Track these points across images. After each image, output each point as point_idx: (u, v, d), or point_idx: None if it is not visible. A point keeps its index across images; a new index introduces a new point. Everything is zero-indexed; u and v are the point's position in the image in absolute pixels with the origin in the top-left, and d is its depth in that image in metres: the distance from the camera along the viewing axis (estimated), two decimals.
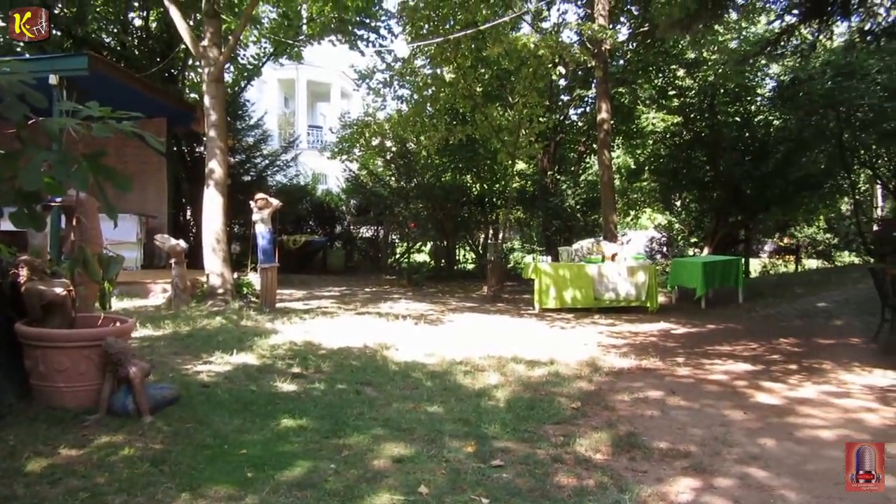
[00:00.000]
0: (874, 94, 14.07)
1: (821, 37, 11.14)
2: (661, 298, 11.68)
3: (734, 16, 13.86)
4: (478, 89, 13.81)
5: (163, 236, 8.90)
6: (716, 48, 16.06)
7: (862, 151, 17.13)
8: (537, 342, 7.36)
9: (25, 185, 2.36)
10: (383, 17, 14.92)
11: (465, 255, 20.59)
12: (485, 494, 2.97)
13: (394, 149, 17.76)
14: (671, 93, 17.16)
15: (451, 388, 5.00)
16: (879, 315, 7.26)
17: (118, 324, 4.33)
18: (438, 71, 13.57)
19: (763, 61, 15.26)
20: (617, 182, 18.02)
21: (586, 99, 17.30)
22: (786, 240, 22.60)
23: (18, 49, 11.36)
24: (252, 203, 9.36)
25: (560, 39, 12.54)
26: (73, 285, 4.09)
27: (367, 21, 14.73)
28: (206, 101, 9.54)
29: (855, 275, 12.37)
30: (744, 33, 16.59)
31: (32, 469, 3.04)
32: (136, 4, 14.87)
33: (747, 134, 17.04)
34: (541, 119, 13.01)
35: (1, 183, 2.49)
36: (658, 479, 3.27)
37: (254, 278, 10.38)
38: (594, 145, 15.82)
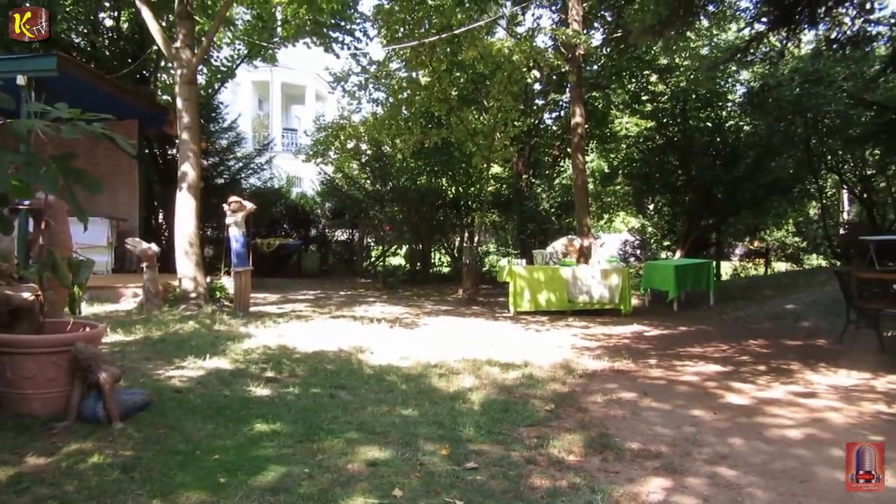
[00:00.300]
0: (840, 100, 14.41)
1: (789, 44, 11.39)
2: (635, 301, 11.83)
3: (705, 23, 14.10)
4: (453, 93, 13.86)
5: (134, 240, 8.78)
6: (688, 54, 16.33)
7: (829, 157, 17.51)
8: (512, 345, 7.40)
9: None
10: (358, 20, 14.88)
11: (440, 259, 20.62)
12: (459, 497, 2.98)
13: (369, 152, 17.74)
14: (644, 98, 17.39)
15: (426, 392, 5.01)
16: (845, 317, 7.43)
17: (88, 329, 4.27)
18: (414, 74, 13.60)
19: (733, 68, 15.54)
20: (591, 186, 18.19)
21: (561, 103, 17.44)
22: (756, 243, 23.03)
23: None
24: (225, 206, 9.28)
25: (535, 44, 12.65)
26: (42, 290, 4.02)
27: (343, 24, 14.68)
28: (179, 103, 9.44)
29: (822, 277, 12.63)
30: (715, 40, 16.90)
31: None
32: (107, 4, 14.67)
33: (718, 139, 17.31)
34: (515, 123, 13.09)
35: None
36: (630, 480, 3.31)
37: (227, 282, 10.29)
38: (568, 149, 15.95)
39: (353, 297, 12.41)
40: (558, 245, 11.85)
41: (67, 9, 13.92)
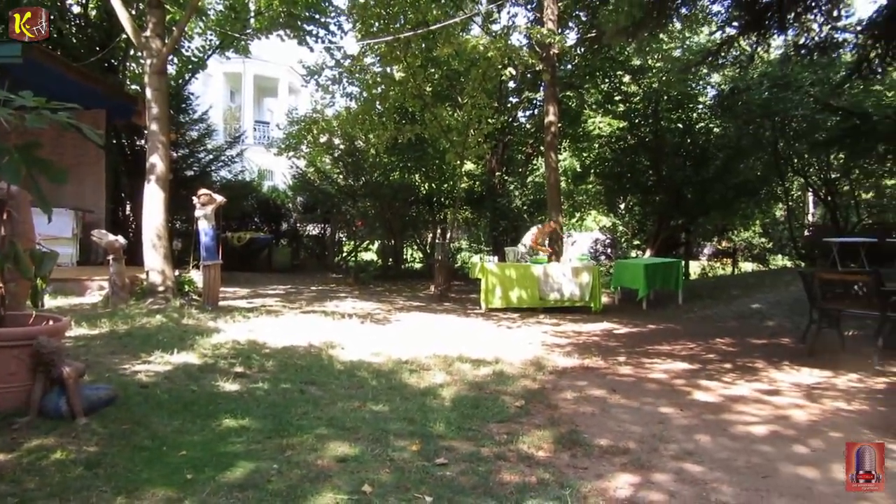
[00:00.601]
0: (807, 105, 14.73)
1: (759, 49, 11.58)
2: (605, 299, 11.95)
3: (678, 25, 14.29)
4: (427, 89, 13.84)
5: (100, 232, 8.61)
6: (660, 56, 16.53)
7: (795, 160, 17.89)
8: (483, 341, 7.42)
9: None
10: (333, 14, 14.74)
11: (412, 255, 20.61)
12: (428, 493, 2.99)
13: (342, 146, 17.64)
14: (617, 98, 17.57)
15: (397, 387, 5.00)
16: (808, 316, 7.59)
17: (51, 322, 4.17)
18: (388, 69, 13.54)
19: (705, 70, 15.79)
20: (563, 184, 18.36)
21: (534, 102, 17.53)
22: (724, 243, 23.44)
23: None
24: (195, 199, 9.15)
25: (509, 42, 12.68)
26: (3, 282, 3.92)
27: (317, 17, 14.53)
28: (148, 93, 9.26)
29: (787, 278, 12.89)
30: (687, 43, 17.13)
31: None
32: None
33: (689, 140, 17.58)
34: (489, 120, 13.12)
35: None
36: (598, 476, 3.35)
37: (196, 276, 10.15)
38: (542, 147, 16.03)
39: (324, 293, 12.34)
40: (527, 239, 11.93)
41: None
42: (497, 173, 17.33)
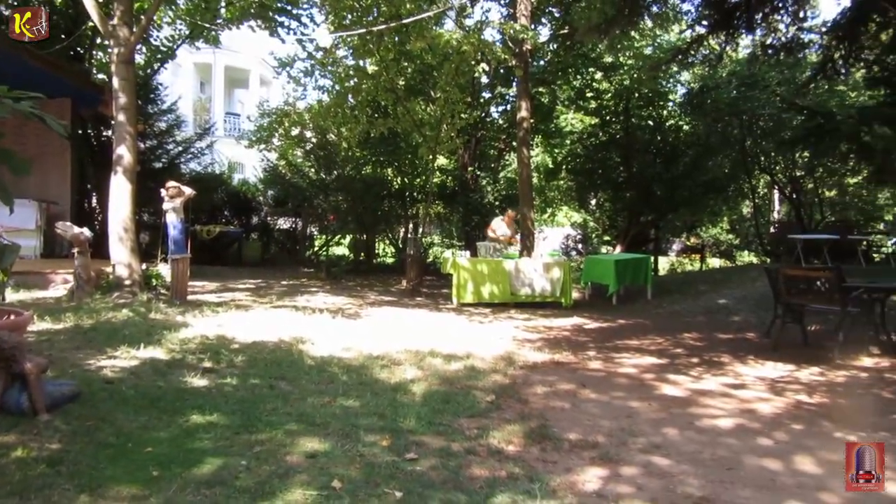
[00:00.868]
0: (774, 104, 15.01)
1: (727, 48, 11.77)
2: (575, 294, 12.05)
3: (649, 23, 14.41)
4: (400, 83, 13.78)
5: (65, 224, 8.42)
6: (631, 54, 16.68)
7: (762, 158, 18.20)
8: (455, 336, 7.43)
9: None
10: (305, 5, 14.56)
11: (384, 249, 20.53)
12: (398, 488, 2.99)
13: (314, 140, 17.49)
14: (589, 95, 17.71)
15: (368, 383, 4.98)
16: (773, 311, 7.76)
17: (13, 316, 4.07)
18: (361, 62, 13.44)
19: (675, 68, 15.96)
20: (535, 180, 18.46)
21: (507, 97, 17.58)
22: (692, 239, 23.79)
23: None
24: (163, 191, 9.00)
25: (483, 37, 12.67)
26: None
27: (289, 8, 14.34)
28: (115, 82, 9.06)
29: (753, 274, 13.15)
30: (658, 41, 17.30)
31: None
32: None
33: (659, 137, 17.78)
34: (462, 115, 13.11)
35: None
36: (567, 469, 3.38)
37: (164, 269, 9.98)
38: (514, 143, 16.10)
39: (295, 287, 12.23)
40: (495, 230, 12.06)
41: None
42: (469, 168, 17.35)
